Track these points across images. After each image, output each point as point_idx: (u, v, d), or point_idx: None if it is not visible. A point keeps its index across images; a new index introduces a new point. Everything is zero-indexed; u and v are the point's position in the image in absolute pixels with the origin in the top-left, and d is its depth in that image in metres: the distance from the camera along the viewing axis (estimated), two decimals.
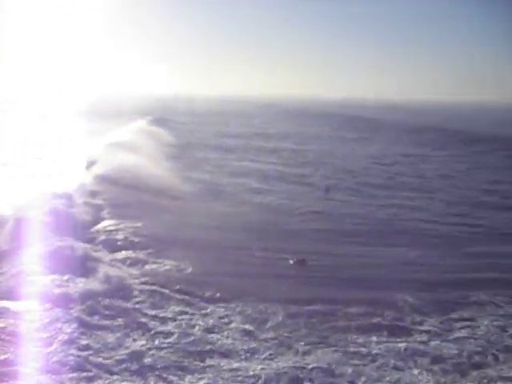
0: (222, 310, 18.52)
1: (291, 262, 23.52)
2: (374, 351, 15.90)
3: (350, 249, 26.69)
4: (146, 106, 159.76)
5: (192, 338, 16.16)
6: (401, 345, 16.25)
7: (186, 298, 19.38)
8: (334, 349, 15.98)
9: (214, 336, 16.37)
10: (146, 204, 34.11)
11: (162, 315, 17.71)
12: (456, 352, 15.93)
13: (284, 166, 56.09)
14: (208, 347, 15.67)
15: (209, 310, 18.47)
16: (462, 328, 17.66)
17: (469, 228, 31.54)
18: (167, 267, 22.52)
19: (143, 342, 15.51)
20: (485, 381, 14.39)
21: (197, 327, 16.89)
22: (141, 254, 23.59)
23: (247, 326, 17.29)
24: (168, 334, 16.29)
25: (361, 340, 16.64)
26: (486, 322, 18.04)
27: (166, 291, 19.68)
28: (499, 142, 79.80)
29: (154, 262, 22.78)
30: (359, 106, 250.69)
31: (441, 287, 21.40)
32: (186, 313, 18.10)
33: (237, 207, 35.59)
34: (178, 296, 19.42)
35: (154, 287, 19.91)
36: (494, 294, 20.47)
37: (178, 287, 20.19)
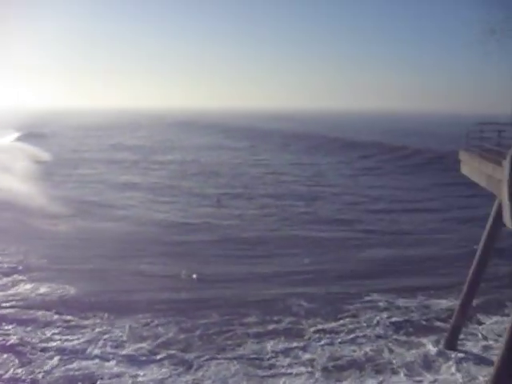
0: (109, 329, 17.47)
1: (193, 276, 23.13)
2: (271, 358, 15.88)
3: (243, 260, 26.40)
4: (21, 120, 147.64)
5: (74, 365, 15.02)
6: (298, 349, 16.44)
7: (70, 319, 18.30)
8: (230, 360, 15.62)
9: (100, 363, 15.20)
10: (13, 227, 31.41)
11: (44, 337, 16.78)
12: (352, 350, 16.43)
13: (171, 180, 54.14)
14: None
15: (97, 330, 17.37)
16: (356, 328, 18.12)
17: (356, 233, 32.13)
18: (46, 290, 21.16)
19: None
20: (380, 375, 14.96)
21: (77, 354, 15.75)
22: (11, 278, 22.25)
23: (138, 345, 16.41)
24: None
25: (258, 347, 16.52)
26: (378, 319, 18.82)
27: (48, 313, 18.64)
28: (378, 147, 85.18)
29: (32, 283, 21.72)
30: (246, 116, 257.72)
31: (335, 290, 21.87)
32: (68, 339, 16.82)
33: (115, 222, 34.21)
34: (59, 318, 18.29)
35: (31, 311, 18.79)
36: (386, 293, 21.40)
37: (58, 309, 19.05)
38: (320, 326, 18.21)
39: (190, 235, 31.01)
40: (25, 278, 22.37)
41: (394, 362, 15.71)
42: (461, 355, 16.02)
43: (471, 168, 15.37)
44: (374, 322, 18.63)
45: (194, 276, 23.20)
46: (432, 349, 16.48)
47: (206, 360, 15.58)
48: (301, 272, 24.26)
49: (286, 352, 16.20)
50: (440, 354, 16.15)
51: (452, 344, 16.53)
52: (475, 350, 16.46)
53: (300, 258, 26.33)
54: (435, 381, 14.69)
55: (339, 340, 17.13)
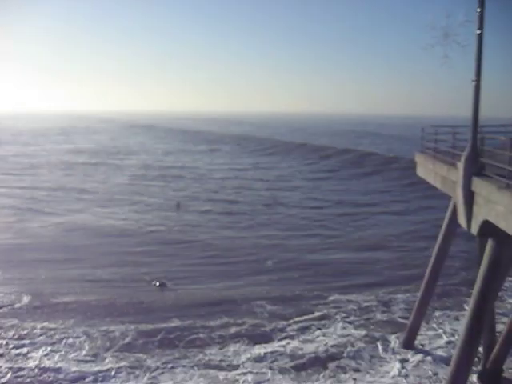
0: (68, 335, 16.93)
1: (157, 284, 22.57)
2: (234, 361, 15.72)
3: (205, 264, 26.17)
4: None
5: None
6: (259, 350, 16.40)
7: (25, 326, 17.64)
8: (191, 366, 15.36)
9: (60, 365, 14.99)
10: None
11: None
12: (314, 349, 16.56)
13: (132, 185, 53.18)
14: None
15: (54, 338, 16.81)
16: (318, 328, 18.30)
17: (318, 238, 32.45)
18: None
19: None
20: (341, 371, 15.20)
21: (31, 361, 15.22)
22: None
23: (95, 351, 16.05)
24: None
25: (221, 351, 16.38)
26: (339, 318, 19.10)
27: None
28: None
29: None
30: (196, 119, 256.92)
31: (299, 291, 22.00)
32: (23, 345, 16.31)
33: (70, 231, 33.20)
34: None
35: None
36: (347, 294, 21.71)
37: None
38: (281, 326, 18.33)
39: (148, 239, 30.42)
40: None
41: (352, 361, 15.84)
42: (418, 356, 16.20)
43: (426, 170, 15.63)
44: (337, 320, 18.96)
45: (154, 282, 22.72)
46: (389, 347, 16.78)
47: (166, 366, 15.24)
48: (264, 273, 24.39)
49: (247, 355, 16.09)
50: (394, 353, 16.40)
51: (410, 343, 16.77)
52: (432, 349, 16.70)
53: (262, 261, 26.31)
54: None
55: (303, 339, 17.33)
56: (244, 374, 15.01)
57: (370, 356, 16.23)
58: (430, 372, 15.24)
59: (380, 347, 16.81)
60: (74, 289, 21.69)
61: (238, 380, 14.70)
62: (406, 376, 15.02)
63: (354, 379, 14.83)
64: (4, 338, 16.78)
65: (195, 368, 15.20)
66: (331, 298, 21.15)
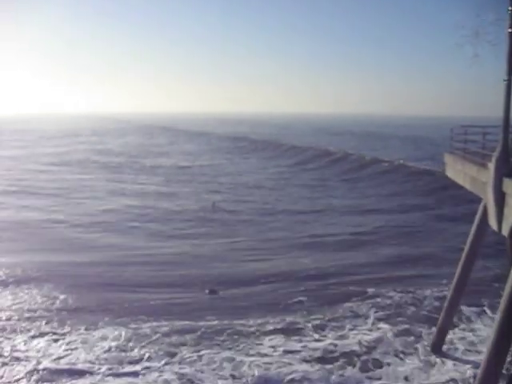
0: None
1: (206, 291, 22.08)
2: (266, 351, 16.37)
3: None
4: None
5: None
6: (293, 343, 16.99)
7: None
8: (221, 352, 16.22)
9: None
10: None
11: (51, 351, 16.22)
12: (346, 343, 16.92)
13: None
14: None
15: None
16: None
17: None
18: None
19: None
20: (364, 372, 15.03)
21: None
22: None
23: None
24: None
25: (256, 342, 17.00)
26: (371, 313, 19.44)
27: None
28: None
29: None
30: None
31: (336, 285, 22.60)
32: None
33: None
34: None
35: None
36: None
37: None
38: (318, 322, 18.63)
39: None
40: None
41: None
42: (444, 359, 15.93)
43: (455, 171, 15.46)
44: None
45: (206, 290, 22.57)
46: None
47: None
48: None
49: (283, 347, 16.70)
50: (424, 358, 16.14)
51: (438, 346, 16.55)
52: (461, 353, 16.38)
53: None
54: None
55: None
56: (272, 362, 15.53)
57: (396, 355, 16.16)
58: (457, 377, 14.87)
59: (409, 349, 16.59)
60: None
61: (267, 368, 15.20)
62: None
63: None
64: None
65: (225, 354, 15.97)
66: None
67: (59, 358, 15.68)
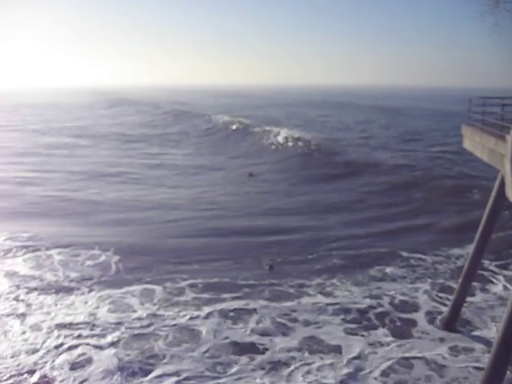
0: None
1: (266, 266, 22.37)
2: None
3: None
4: None
5: None
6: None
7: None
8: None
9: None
10: None
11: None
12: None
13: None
14: None
15: None
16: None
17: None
18: None
19: None
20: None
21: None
22: None
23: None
24: None
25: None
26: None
27: None
28: None
29: None
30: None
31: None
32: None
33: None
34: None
35: None
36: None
37: None
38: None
39: None
40: None
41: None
42: (457, 336, 15.85)
43: (473, 142, 15.14)
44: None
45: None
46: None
47: None
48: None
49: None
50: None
51: (451, 325, 16.37)
52: (475, 332, 16.20)
53: None
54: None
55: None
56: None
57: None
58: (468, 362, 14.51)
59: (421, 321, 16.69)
60: None
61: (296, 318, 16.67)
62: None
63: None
64: None
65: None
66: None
67: None
